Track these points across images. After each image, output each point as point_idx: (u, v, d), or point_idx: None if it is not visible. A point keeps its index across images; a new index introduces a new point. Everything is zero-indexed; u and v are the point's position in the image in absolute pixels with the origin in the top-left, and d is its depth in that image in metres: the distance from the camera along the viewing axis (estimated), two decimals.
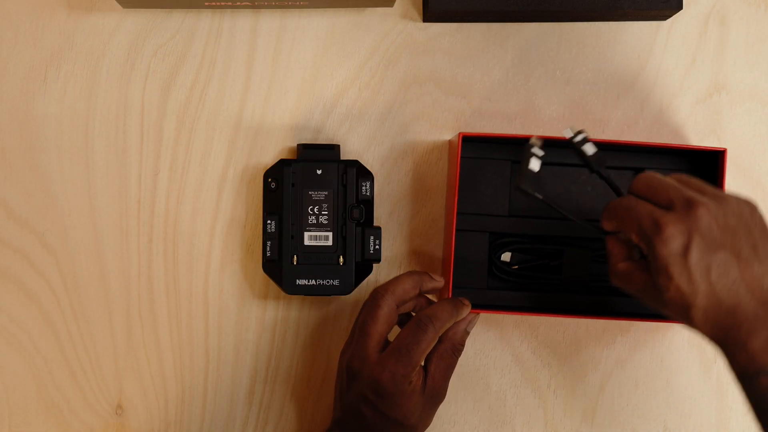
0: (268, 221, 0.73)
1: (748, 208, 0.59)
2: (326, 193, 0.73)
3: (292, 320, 0.77)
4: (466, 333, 0.70)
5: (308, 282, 0.73)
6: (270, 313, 0.77)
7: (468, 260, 0.75)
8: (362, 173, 0.74)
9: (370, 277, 0.75)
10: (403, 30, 0.77)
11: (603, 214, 0.63)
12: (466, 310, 0.69)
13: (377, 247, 0.73)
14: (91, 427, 0.77)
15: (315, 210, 0.73)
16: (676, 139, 0.77)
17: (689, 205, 0.57)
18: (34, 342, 0.77)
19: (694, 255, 0.56)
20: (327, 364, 0.77)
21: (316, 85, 0.77)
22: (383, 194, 0.77)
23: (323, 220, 0.73)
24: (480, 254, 0.75)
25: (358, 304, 0.77)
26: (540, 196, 0.64)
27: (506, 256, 0.75)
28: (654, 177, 0.61)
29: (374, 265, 0.75)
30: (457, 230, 0.73)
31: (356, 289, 0.74)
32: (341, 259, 0.73)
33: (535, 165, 0.64)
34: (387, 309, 0.67)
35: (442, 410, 0.77)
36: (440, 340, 0.68)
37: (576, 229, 0.74)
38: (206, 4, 0.74)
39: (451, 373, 0.69)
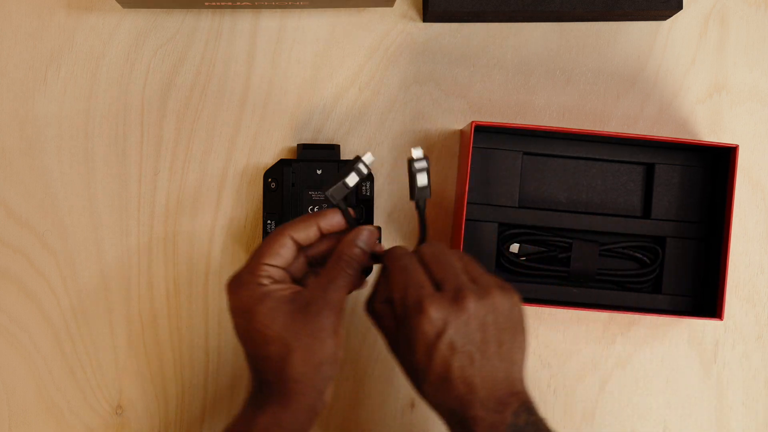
0: (268, 221, 0.73)
1: (509, 303, 0.60)
2: None
3: None
4: (356, 246, 0.63)
5: None
6: None
7: (476, 250, 0.75)
8: None
9: (370, 278, 0.75)
10: (403, 30, 0.77)
11: (385, 256, 0.63)
12: (364, 232, 0.64)
13: None
14: (91, 427, 0.77)
15: (315, 210, 0.73)
16: None
17: (457, 295, 0.58)
18: (34, 342, 0.77)
19: (443, 344, 0.58)
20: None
21: (316, 85, 0.77)
22: (383, 194, 0.77)
23: None
24: (489, 245, 0.75)
25: (359, 305, 0.77)
26: (343, 207, 0.63)
27: (514, 248, 0.75)
28: (442, 252, 0.62)
29: (374, 265, 0.75)
30: (466, 220, 0.73)
31: (356, 290, 0.74)
32: None
33: (423, 179, 0.63)
34: (277, 237, 0.62)
35: None
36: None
37: (585, 222, 0.75)
38: (206, 4, 0.74)
39: (340, 289, 0.62)
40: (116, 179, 0.77)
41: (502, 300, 0.60)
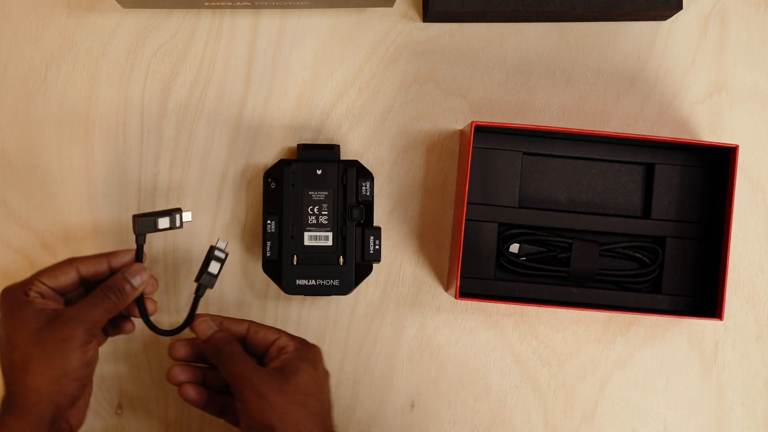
0: (268, 221, 0.73)
1: (314, 385, 0.64)
2: (326, 193, 0.73)
3: (292, 320, 0.77)
4: (126, 281, 0.65)
5: (308, 282, 0.73)
6: (270, 313, 0.77)
7: (476, 250, 0.75)
8: (362, 173, 0.74)
9: (370, 278, 0.75)
10: (403, 30, 0.77)
11: (197, 328, 0.67)
12: (139, 272, 0.66)
13: (377, 247, 0.73)
14: (91, 427, 0.77)
15: (315, 210, 0.73)
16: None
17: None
18: None
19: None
20: (326, 363, 0.77)
21: (316, 84, 0.77)
22: (383, 194, 0.77)
23: (323, 220, 0.73)
24: (489, 245, 0.75)
25: (358, 305, 0.77)
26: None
27: (514, 248, 0.75)
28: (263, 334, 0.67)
29: (374, 265, 0.75)
30: (466, 220, 0.73)
31: (356, 290, 0.74)
32: (341, 259, 0.73)
33: (214, 268, 0.69)
34: (63, 264, 0.65)
35: (443, 410, 0.77)
36: None
37: (585, 222, 0.75)
38: (206, 4, 0.74)
39: (96, 307, 0.63)
40: (116, 179, 0.77)
41: (307, 384, 0.64)
